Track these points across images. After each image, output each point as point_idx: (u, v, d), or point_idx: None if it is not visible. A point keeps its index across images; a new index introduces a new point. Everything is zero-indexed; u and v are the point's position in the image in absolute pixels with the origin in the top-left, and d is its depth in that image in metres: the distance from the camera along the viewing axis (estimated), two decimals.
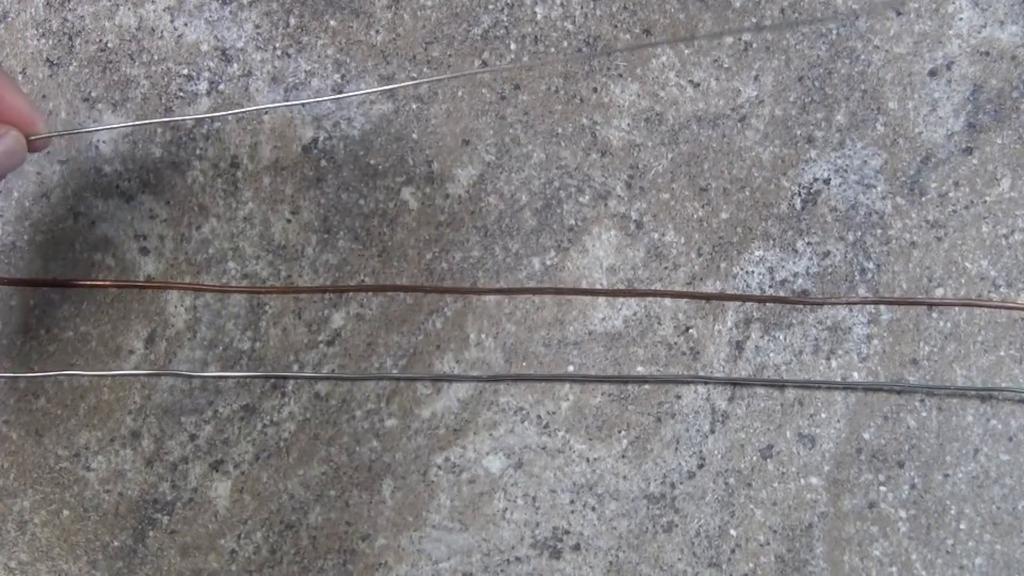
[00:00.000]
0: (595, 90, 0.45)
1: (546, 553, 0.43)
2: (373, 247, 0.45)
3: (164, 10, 0.45)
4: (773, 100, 0.45)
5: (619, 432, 0.44)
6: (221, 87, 0.45)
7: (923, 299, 0.44)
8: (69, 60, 0.45)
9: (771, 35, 0.45)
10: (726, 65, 0.45)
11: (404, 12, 0.45)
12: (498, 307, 0.44)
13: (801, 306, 0.44)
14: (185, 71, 0.45)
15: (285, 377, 0.44)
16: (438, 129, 0.45)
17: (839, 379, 0.44)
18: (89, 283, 0.44)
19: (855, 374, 0.44)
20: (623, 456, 0.44)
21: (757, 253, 0.44)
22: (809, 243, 0.44)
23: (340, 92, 0.45)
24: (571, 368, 0.44)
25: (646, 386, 0.44)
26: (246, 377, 0.44)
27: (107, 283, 0.44)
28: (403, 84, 0.44)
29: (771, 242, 0.44)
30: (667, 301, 0.44)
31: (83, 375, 0.44)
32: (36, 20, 0.45)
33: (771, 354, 0.44)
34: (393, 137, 0.45)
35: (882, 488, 0.44)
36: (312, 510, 0.44)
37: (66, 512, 0.44)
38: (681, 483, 0.44)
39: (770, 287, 0.44)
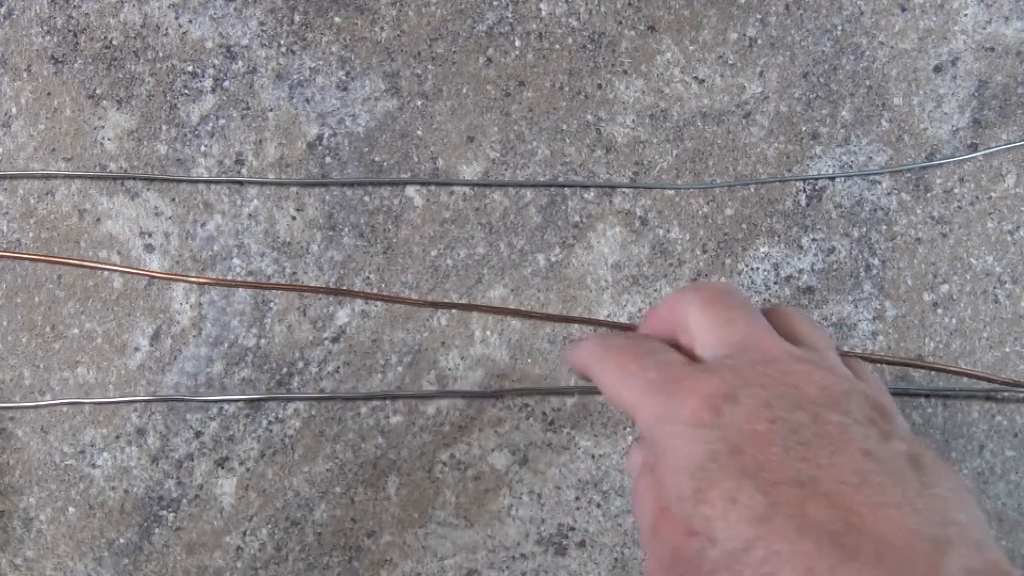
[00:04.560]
0: (600, 87, 0.45)
1: (551, 550, 0.43)
2: (378, 244, 0.45)
3: (169, 7, 0.45)
4: (778, 96, 0.45)
5: (624, 428, 0.44)
6: (226, 84, 0.45)
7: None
8: (74, 57, 0.45)
9: (776, 31, 0.45)
10: (731, 61, 0.45)
11: (408, 9, 0.45)
12: (503, 304, 0.44)
13: (805, 302, 0.44)
14: (190, 68, 0.45)
15: (270, 399, 0.44)
16: (443, 126, 0.45)
17: None
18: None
19: None
20: (628, 452, 0.44)
21: (762, 249, 0.44)
22: (814, 239, 0.44)
23: (345, 89, 0.45)
24: None
25: None
26: (234, 400, 0.44)
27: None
28: None
29: (776, 238, 0.44)
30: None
31: (83, 403, 0.44)
32: (41, 17, 0.45)
33: None
34: (398, 134, 0.45)
35: None
36: (317, 507, 0.44)
37: (72, 509, 0.44)
38: None
39: (775, 283, 0.44)
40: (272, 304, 0.44)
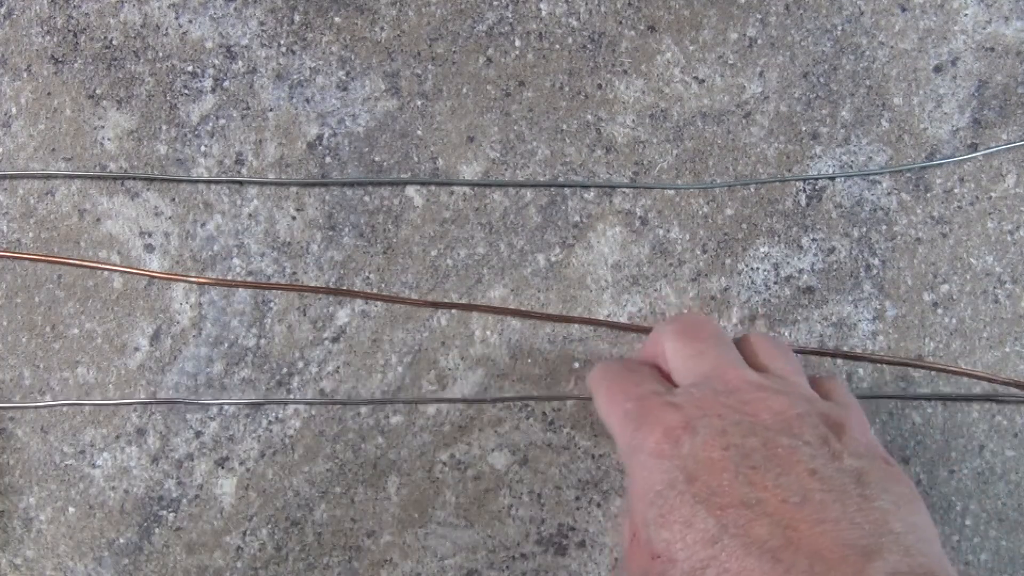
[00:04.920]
0: (600, 87, 0.45)
1: (551, 549, 0.43)
2: (378, 244, 0.45)
3: (169, 7, 0.45)
4: (778, 96, 0.45)
5: None
6: (226, 84, 0.45)
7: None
8: (74, 57, 0.45)
9: (776, 31, 0.45)
10: (731, 61, 0.45)
11: (408, 9, 0.45)
12: (503, 303, 0.44)
13: (805, 302, 0.44)
14: (190, 68, 0.45)
15: (268, 403, 0.44)
16: (443, 126, 0.45)
17: (844, 376, 0.44)
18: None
19: (860, 370, 0.44)
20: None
21: (762, 249, 0.44)
22: (814, 239, 0.44)
23: (345, 89, 0.45)
24: (576, 364, 0.44)
25: None
26: (235, 403, 0.44)
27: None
28: None
29: (776, 238, 0.44)
30: (672, 297, 0.44)
31: (83, 404, 0.44)
32: (41, 17, 0.45)
33: None
34: (398, 134, 0.45)
35: None
36: (317, 507, 0.44)
37: (72, 509, 0.44)
38: None
39: (775, 283, 0.44)
40: (272, 304, 0.44)
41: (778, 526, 0.25)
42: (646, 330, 0.44)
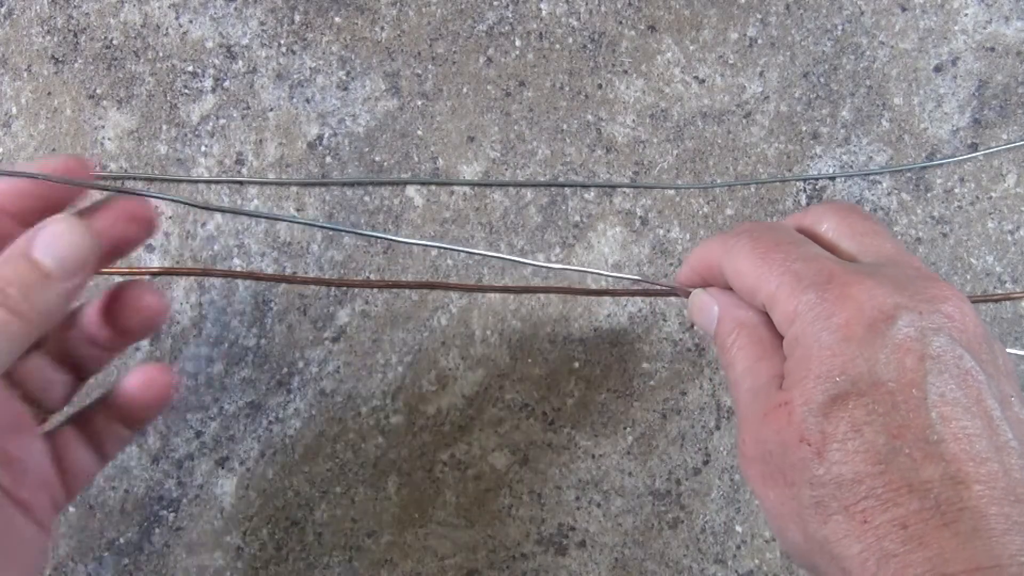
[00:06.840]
0: (600, 86, 0.45)
1: (552, 549, 0.43)
2: (378, 244, 0.45)
3: (169, 7, 0.45)
4: (778, 96, 0.45)
5: (624, 428, 0.44)
6: (226, 84, 0.45)
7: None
8: (74, 57, 0.45)
9: (776, 31, 0.45)
10: (731, 61, 0.45)
11: (409, 8, 0.45)
12: (503, 304, 0.44)
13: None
14: (190, 68, 0.45)
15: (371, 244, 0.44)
16: (443, 126, 0.45)
17: None
18: None
19: None
20: (628, 452, 0.44)
21: None
22: None
23: (346, 89, 0.45)
24: (576, 364, 0.44)
25: (652, 383, 0.44)
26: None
27: None
28: None
29: None
30: (673, 298, 0.44)
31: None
32: (41, 17, 0.45)
33: None
34: (398, 134, 0.45)
35: None
36: (318, 507, 0.44)
37: (72, 509, 0.44)
38: (687, 479, 0.44)
39: None
40: (272, 304, 0.44)
41: (952, 478, 0.23)
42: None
